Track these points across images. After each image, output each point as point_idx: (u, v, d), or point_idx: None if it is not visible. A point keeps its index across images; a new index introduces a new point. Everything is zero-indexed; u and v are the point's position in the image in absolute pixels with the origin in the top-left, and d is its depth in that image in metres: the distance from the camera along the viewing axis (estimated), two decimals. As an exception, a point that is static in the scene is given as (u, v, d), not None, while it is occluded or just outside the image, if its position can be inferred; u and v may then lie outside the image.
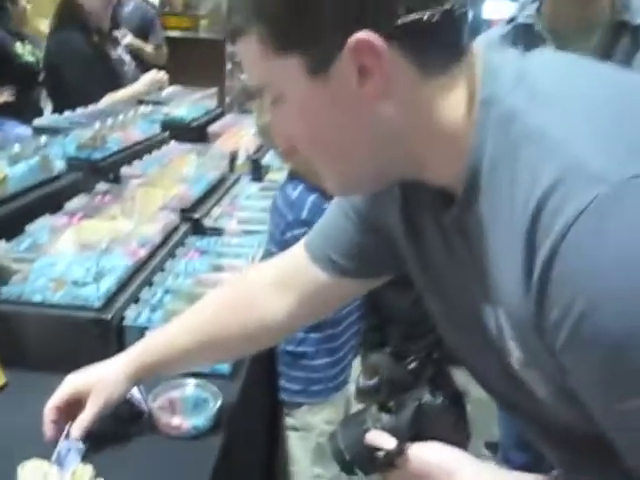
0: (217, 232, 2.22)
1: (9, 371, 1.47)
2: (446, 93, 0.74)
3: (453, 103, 0.74)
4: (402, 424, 0.89)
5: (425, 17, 0.69)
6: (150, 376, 1.29)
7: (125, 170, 2.39)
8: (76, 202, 1.94)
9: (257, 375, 1.66)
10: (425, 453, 0.88)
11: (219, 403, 1.34)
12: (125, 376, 1.25)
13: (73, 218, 1.82)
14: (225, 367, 1.50)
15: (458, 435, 0.92)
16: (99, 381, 1.25)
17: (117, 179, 2.35)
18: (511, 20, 1.71)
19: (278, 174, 3.26)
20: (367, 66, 0.71)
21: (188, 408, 1.34)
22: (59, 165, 2.15)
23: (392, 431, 0.89)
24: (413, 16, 0.69)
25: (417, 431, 0.89)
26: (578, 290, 0.60)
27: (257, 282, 1.23)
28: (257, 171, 3.19)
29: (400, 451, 0.88)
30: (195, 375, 1.45)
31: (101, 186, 2.14)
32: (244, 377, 1.52)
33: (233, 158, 3.12)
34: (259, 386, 1.73)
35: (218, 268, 1.91)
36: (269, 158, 3.39)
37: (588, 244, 0.59)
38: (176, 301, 1.68)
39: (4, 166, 1.87)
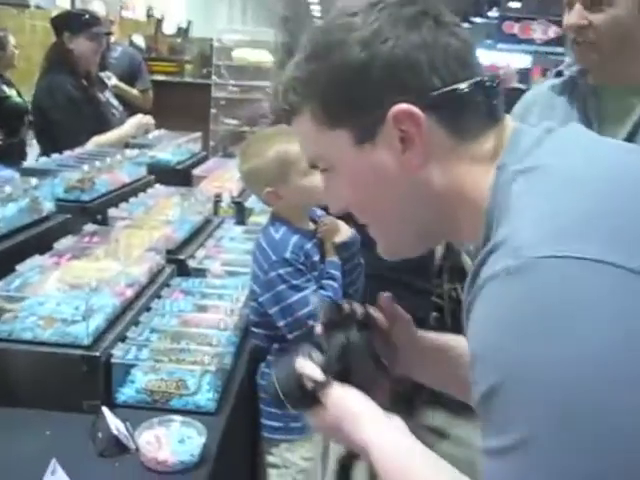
0: (201, 273, 2.28)
1: (-2, 407, 1.50)
2: (478, 159, 0.80)
3: (483, 169, 0.80)
4: (330, 359, 0.94)
5: (458, 89, 0.78)
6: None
7: (112, 212, 2.45)
8: (64, 243, 1.99)
9: (241, 412, 1.70)
10: (342, 397, 0.91)
11: (204, 439, 1.39)
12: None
13: (62, 258, 1.87)
14: (210, 404, 1.55)
15: (380, 370, 0.96)
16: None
17: (104, 220, 2.40)
18: (559, 73, 1.78)
19: (261, 217, 3.33)
20: (408, 134, 0.78)
21: (174, 443, 1.37)
22: (48, 206, 2.21)
23: (321, 367, 0.94)
24: (446, 87, 0.78)
25: (344, 365, 0.94)
26: (473, 335, 0.69)
27: None
28: (240, 214, 3.26)
29: (325, 384, 0.92)
30: (180, 412, 1.50)
31: (89, 227, 2.19)
32: (228, 414, 1.57)
33: (217, 201, 3.19)
34: (242, 423, 1.77)
35: (202, 308, 1.96)
36: (252, 201, 3.46)
37: (486, 303, 0.68)
38: (162, 340, 1.73)
39: (-6, 207, 1.92)
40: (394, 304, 1.06)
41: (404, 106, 0.77)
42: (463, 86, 0.78)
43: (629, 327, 0.60)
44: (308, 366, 0.94)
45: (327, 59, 0.81)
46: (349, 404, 0.91)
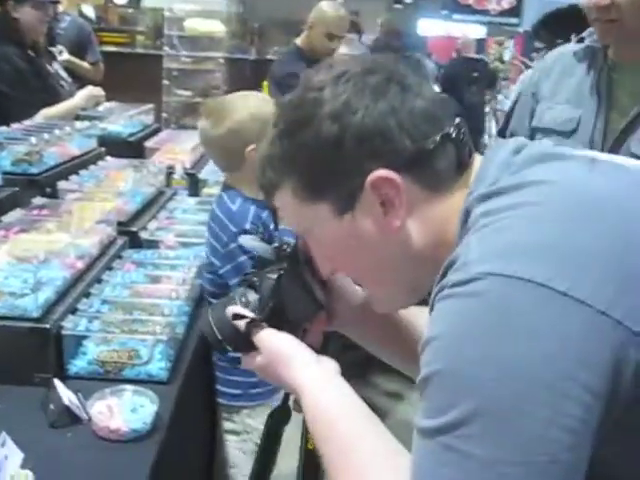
0: (154, 245, 2.27)
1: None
2: (454, 204, 0.83)
3: (458, 212, 0.82)
4: (263, 298, 0.97)
5: (427, 145, 0.81)
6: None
7: (62, 185, 2.42)
8: (13, 216, 1.96)
9: (195, 381, 1.72)
10: (274, 339, 0.95)
11: (156, 407, 1.40)
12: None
13: (10, 232, 1.84)
14: (162, 373, 1.56)
15: (314, 306, 0.98)
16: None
17: (54, 194, 2.36)
18: (581, 39, 1.78)
19: (214, 189, 3.31)
20: (388, 197, 0.81)
21: (126, 412, 1.38)
22: (-5, 180, 2.17)
23: (255, 305, 0.97)
24: (417, 146, 0.81)
25: (277, 302, 0.96)
26: (428, 329, 0.73)
27: None
28: (194, 185, 3.24)
29: (255, 324, 0.95)
30: (133, 382, 1.51)
31: (37, 200, 2.16)
32: (181, 383, 1.58)
33: (170, 173, 3.16)
34: (197, 391, 1.79)
35: (155, 279, 1.96)
36: (206, 173, 3.44)
37: (441, 308, 0.72)
38: (113, 311, 1.72)
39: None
40: None
41: (380, 172, 0.80)
42: (433, 143, 0.81)
43: (544, 347, 0.65)
44: (239, 310, 0.97)
45: (300, 135, 0.83)
46: (281, 347, 0.94)
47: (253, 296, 0.99)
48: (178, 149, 3.53)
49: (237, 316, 0.97)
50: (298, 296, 0.97)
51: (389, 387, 3.76)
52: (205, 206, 2.82)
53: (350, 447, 0.81)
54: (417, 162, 0.81)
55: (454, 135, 0.84)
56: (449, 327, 0.70)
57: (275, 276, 0.98)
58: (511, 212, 0.73)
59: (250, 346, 0.96)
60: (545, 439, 0.63)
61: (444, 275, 0.75)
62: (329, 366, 0.92)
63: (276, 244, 1.03)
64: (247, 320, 0.96)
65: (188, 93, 4.95)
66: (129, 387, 1.46)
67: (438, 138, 0.82)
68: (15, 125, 2.86)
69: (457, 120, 0.86)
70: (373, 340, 1.11)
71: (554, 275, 0.66)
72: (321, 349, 0.99)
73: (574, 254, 0.68)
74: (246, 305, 0.98)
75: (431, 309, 0.76)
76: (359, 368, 3.21)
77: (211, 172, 3.50)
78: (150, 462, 1.30)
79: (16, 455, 1.22)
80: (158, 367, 1.56)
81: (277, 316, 0.97)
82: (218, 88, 5.48)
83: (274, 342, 0.95)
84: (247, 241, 1.06)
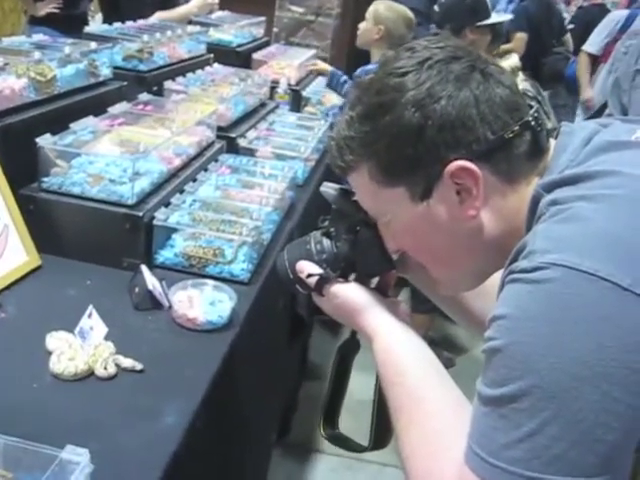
0: (250, 153, 2.30)
1: (44, 255, 1.57)
2: (529, 192, 0.83)
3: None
4: (339, 252, 0.98)
5: (506, 135, 0.81)
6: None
7: (168, 84, 2.46)
8: (119, 108, 2.02)
9: (276, 286, 1.75)
10: (344, 289, 0.97)
11: (233, 303, 1.44)
12: None
13: (115, 122, 1.90)
14: (244, 274, 1.60)
15: (387, 263, 0.98)
16: None
17: (159, 92, 2.42)
18: None
19: (316, 107, 3.32)
20: (465, 187, 0.82)
21: (205, 305, 1.43)
22: (105, 72, 2.23)
23: (329, 257, 0.98)
24: (497, 136, 0.81)
25: (352, 256, 0.98)
26: (497, 306, 0.75)
27: None
28: (296, 102, 3.25)
29: (329, 279, 0.97)
30: (215, 278, 1.55)
31: (144, 96, 2.21)
32: (260, 285, 1.62)
33: (274, 87, 3.18)
34: (274, 297, 1.82)
35: (247, 185, 1.99)
36: (309, 91, 3.44)
37: (509, 291, 0.74)
38: (204, 210, 1.77)
39: (54, 66, 1.95)
40: None
41: (460, 162, 0.81)
42: (512, 133, 0.82)
43: (600, 336, 0.67)
44: (310, 265, 0.99)
45: (381, 121, 0.83)
46: (354, 298, 0.97)
47: (327, 245, 1.00)
48: (285, 64, 3.54)
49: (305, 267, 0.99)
50: (374, 255, 0.97)
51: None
52: (305, 122, 2.83)
53: (418, 394, 0.85)
54: (496, 152, 0.82)
55: (532, 123, 0.84)
56: (515, 309, 0.71)
57: (351, 236, 0.98)
58: (578, 203, 0.74)
59: (318, 292, 0.99)
60: (592, 421, 0.66)
61: (514, 260, 0.76)
62: (401, 313, 0.96)
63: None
64: (317, 277, 0.98)
65: (301, 10, 4.91)
66: (210, 282, 1.51)
67: (517, 128, 0.82)
68: (129, 23, 2.91)
69: (535, 107, 0.86)
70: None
71: (617, 270, 0.67)
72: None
73: (638, 249, 0.69)
74: (320, 253, 0.99)
75: (501, 288, 0.77)
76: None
77: (314, 91, 3.50)
78: (223, 353, 1.34)
79: (101, 327, 1.29)
80: (240, 268, 1.60)
81: (349, 270, 0.99)
82: (332, 9, 5.40)
83: (347, 294, 0.97)
84: (327, 189, 1.05)
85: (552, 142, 0.87)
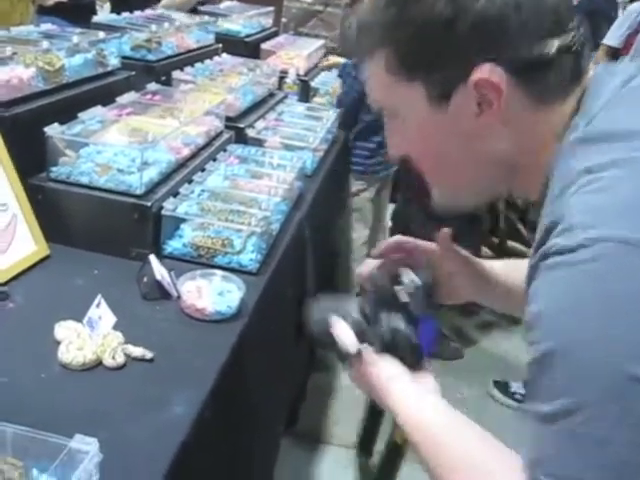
0: (258, 143, 2.29)
1: (53, 245, 1.57)
2: (557, 118, 0.77)
3: (559, 126, 0.76)
4: (371, 339, 0.93)
5: (545, 49, 0.73)
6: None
7: (176, 74, 2.46)
8: (127, 98, 2.01)
9: (283, 277, 1.74)
10: (372, 363, 0.92)
11: (242, 294, 1.43)
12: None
13: (123, 112, 1.89)
14: (252, 264, 1.59)
15: (417, 365, 0.93)
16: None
17: (168, 82, 2.41)
18: None
19: (325, 98, 3.30)
20: (486, 98, 0.75)
21: (214, 295, 1.42)
22: (114, 62, 2.22)
23: (359, 334, 0.93)
24: (533, 47, 0.73)
25: (382, 349, 0.92)
26: (533, 300, 0.69)
27: None
28: (305, 92, 3.23)
29: (356, 356, 0.92)
30: (223, 269, 1.55)
31: (152, 86, 2.20)
32: (269, 275, 1.61)
33: (282, 77, 3.16)
34: (284, 286, 1.81)
35: (255, 175, 1.99)
36: (318, 82, 3.43)
37: (546, 276, 0.67)
38: (212, 200, 1.76)
39: (62, 56, 1.94)
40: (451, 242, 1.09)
41: (487, 68, 0.74)
42: (551, 48, 0.73)
43: None
44: (344, 332, 0.93)
45: (410, 9, 0.76)
46: (379, 371, 0.91)
47: (361, 326, 0.94)
48: (293, 55, 3.52)
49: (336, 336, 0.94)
50: (411, 352, 0.92)
51: (482, 317, 3.75)
52: (313, 112, 2.82)
53: (460, 463, 0.77)
54: (529, 67, 0.74)
55: (574, 42, 0.76)
56: (560, 302, 0.64)
57: (389, 333, 0.92)
58: (615, 170, 0.67)
59: (343, 359, 0.95)
60: None
61: (544, 240, 0.69)
62: (427, 384, 0.90)
63: (404, 281, 0.99)
64: (353, 351, 0.92)
65: (310, 0, 4.88)
66: (219, 272, 1.50)
67: (557, 43, 0.74)
68: (137, 13, 2.90)
69: (579, 26, 0.77)
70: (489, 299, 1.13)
71: None
72: None
73: None
74: (358, 324, 0.94)
75: (531, 277, 0.70)
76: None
77: (323, 82, 3.48)
78: (231, 343, 1.34)
79: (109, 317, 1.28)
80: (249, 258, 1.60)
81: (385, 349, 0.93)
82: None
83: (372, 367, 0.92)
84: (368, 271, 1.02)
85: (589, 75, 0.79)
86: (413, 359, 0.92)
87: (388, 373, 0.90)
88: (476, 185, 0.86)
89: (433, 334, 1.01)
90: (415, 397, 0.87)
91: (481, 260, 1.13)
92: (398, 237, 1.14)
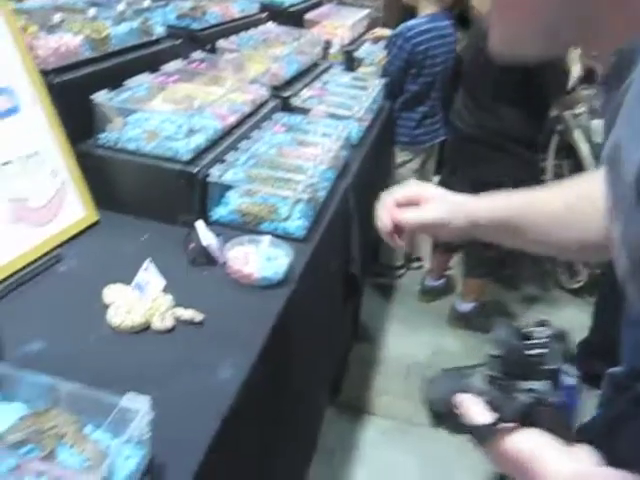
0: (304, 112, 2.27)
1: (101, 211, 1.58)
2: None
3: None
4: (508, 410, 0.80)
5: None
6: (482, 232, 1.10)
7: (221, 43, 2.44)
8: (173, 66, 2.01)
9: (330, 244, 1.73)
10: (519, 440, 0.78)
11: (290, 260, 1.43)
12: (466, 218, 1.09)
13: (169, 79, 1.89)
14: (299, 231, 1.58)
15: (565, 432, 0.79)
16: (447, 200, 1.12)
17: (213, 50, 2.40)
18: None
19: (370, 68, 3.26)
20: None
21: (260, 261, 1.42)
22: (159, 30, 2.21)
23: (494, 408, 0.81)
24: None
25: (521, 421, 0.79)
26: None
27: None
28: (349, 62, 3.20)
29: (493, 429, 0.79)
30: (270, 234, 1.54)
31: (197, 54, 2.20)
32: (316, 242, 1.60)
33: (327, 47, 3.13)
34: (330, 254, 1.80)
35: (301, 144, 1.97)
36: (362, 52, 3.39)
37: None
38: (258, 167, 1.75)
39: (108, 24, 1.94)
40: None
41: None
42: None
43: None
44: (473, 407, 0.82)
45: None
46: (522, 444, 0.78)
47: (497, 397, 0.82)
48: (337, 24, 3.48)
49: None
50: (549, 425, 0.79)
51: (525, 290, 3.71)
52: (359, 82, 2.79)
53: None
54: None
55: None
56: None
57: (531, 400, 0.79)
58: None
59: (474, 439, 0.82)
60: None
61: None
62: (582, 458, 0.75)
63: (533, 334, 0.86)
64: (479, 424, 0.80)
65: (354, -31, 4.82)
66: (266, 238, 1.50)
67: None
68: (182, -19, 2.89)
69: None
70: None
71: None
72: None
73: None
74: (488, 398, 0.82)
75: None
76: (498, 265, 3.17)
77: (368, 52, 3.44)
78: (278, 309, 1.34)
79: (158, 281, 1.29)
80: (296, 225, 1.59)
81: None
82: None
83: (516, 440, 0.78)
84: (501, 333, 0.90)
85: None
86: (562, 423, 0.80)
87: (533, 445, 0.77)
88: (543, 23, 0.69)
89: (575, 386, 0.86)
90: (571, 473, 0.73)
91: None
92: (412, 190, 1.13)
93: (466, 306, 3.34)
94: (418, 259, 3.80)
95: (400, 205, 1.14)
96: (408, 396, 2.77)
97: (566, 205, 0.99)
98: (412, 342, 3.17)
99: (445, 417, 0.88)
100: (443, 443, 2.38)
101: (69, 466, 0.84)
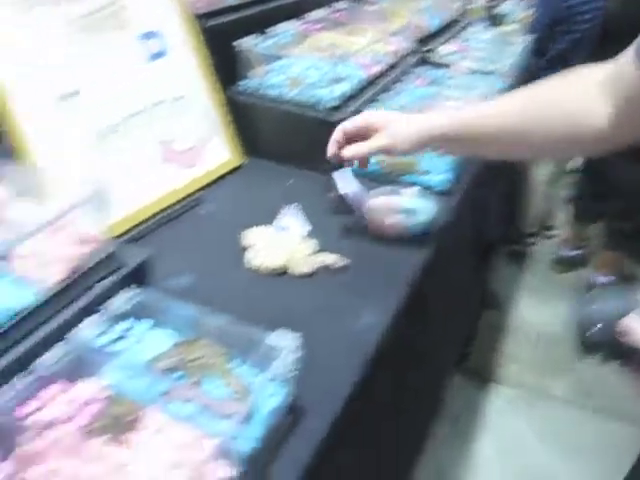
0: (446, 66, 2.19)
1: (245, 156, 1.58)
2: None
3: None
4: None
5: None
6: (434, 146, 1.18)
7: (363, -6, 2.39)
8: (316, 14, 1.98)
9: (472, 202, 1.67)
10: None
11: (433, 213, 1.37)
12: (417, 134, 1.16)
13: (314, 27, 1.86)
14: (443, 184, 1.52)
15: None
16: (393, 124, 1.19)
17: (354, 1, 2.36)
18: None
19: (512, 26, 3.12)
20: None
21: (403, 211, 1.37)
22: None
23: None
24: None
25: None
26: None
27: (588, 77, 1.02)
28: (492, 19, 3.07)
29: None
30: (414, 185, 1.49)
31: (341, 4, 2.16)
32: (459, 198, 1.54)
33: (469, 2, 3.02)
34: (470, 214, 1.74)
35: (445, 97, 1.90)
36: (505, 8, 3.24)
37: None
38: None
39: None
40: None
41: None
42: None
43: None
44: None
45: None
46: None
47: None
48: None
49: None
50: None
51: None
52: (501, 39, 2.67)
53: None
54: None
55: None
56: None
57: None
58: None
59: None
60: None
61: None
62: None
63: None
64: None
65: None
66: (410, 190, 1.45)
67: None
68: None
69: None
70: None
71: None
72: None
73: None
74: None
75: None
76: (637, 238, 2.99)
77: (511, 9, 3.29)
78: (418, 263, 1.29)
79: (301, 225, 1.27)
80: (439, 178, 1.53)
81: None
82: None
83: None
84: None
85: None
86: None
87: None
88: None
89: None
90: None
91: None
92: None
93: (602, 279, 3.17)
94: (552, 227, 3.64)
95: (349, 135, 1.23)
96: (537, 366, 2.68)
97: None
98: (543, 312, 3.05)
99: (603, 344, 0.82)
100: (568, 417, 2.29)
101: (215, 396, 0.84)
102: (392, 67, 1.95)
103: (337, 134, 1.24)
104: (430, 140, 1.16)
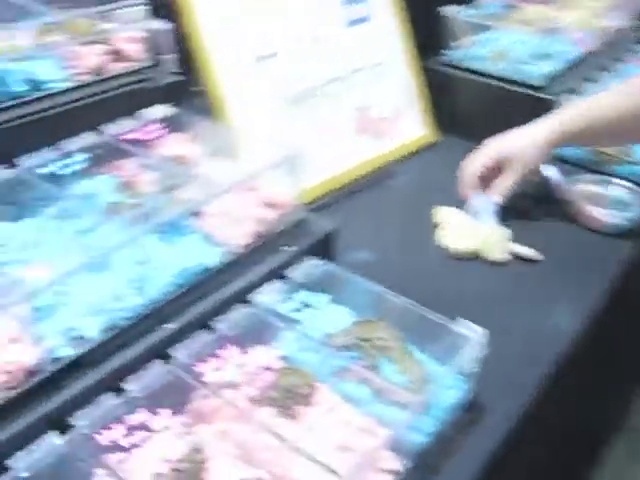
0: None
1: (439, 132, 1.52)
2: None
3: None
4: None
5: None
6: (564, 145, 1.25)
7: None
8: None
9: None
10: None
11: (640, 209, 1.24)
12: (545, 141, 1.20)
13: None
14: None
15: None
16: (520, 151, 1.21)
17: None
18: None
19: None
20: None
21: (612, 205, 1.25)
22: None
23: None
24: None
25: None
26: None
27: None
28: None
29: None
30: (620, 179, 1.36)
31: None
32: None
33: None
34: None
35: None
36: None
37: None
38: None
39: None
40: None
41: None
42: None
43: None
44: None
45: None
46: None
47: None
48: None
49: None
50: None
51: None
52: None
53: None
54: None
55: None
56: None
57: None
58: None
59: None
60: None
61: None
62: None
63: None
64: None
65: None
66: (617, 180, 1.32)
67: None
68: None
69: None
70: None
71: None
72: None
73: None
74: None
75: None
76: None
77: None
78: (621, 261, 1.17)
79: (497, 210, 1.21)
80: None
81: None
82: None
83: None
84: None
85: None
86: None
87: None
88: None
89: None
90: None
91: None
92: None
93: None
94: None
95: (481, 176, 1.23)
96: None
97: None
98: None
99: None
100: None
101: (391, 382, 0.79)
102: (610, 45, 1.78)
103: (470, 179, 1.23)
104: (562, 142, 1.20)
